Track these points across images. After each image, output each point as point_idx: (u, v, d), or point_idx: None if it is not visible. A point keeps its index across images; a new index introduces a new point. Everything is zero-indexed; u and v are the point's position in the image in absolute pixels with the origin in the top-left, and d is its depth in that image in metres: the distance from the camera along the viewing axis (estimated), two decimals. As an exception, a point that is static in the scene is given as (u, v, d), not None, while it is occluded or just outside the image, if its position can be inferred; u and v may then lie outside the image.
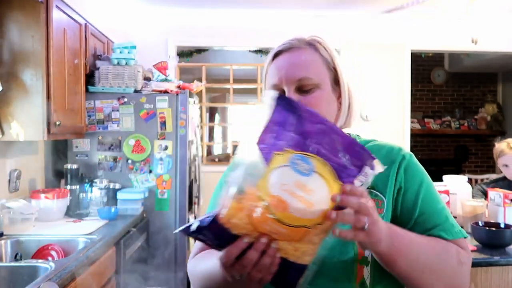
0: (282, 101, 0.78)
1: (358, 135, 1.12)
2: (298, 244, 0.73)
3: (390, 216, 0.99)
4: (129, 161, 3.13)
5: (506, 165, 2.80)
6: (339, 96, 1.06)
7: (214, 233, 0.73)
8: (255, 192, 0.71)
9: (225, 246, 0.75)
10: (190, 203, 3.32)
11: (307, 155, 0.72)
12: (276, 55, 1.06)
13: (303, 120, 0.74)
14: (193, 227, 0.74)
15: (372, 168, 0.75)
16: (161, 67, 3.43)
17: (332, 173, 0.72)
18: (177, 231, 0.80)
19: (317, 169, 0.71)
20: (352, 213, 0.74)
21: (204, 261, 1.01)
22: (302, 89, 1.00)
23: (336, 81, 1.05)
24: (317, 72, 1.02)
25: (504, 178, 2.91)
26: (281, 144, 0.73)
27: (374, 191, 1.00)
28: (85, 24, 2.89)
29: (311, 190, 0.70)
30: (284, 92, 1.01)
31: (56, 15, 2.41)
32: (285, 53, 1.05)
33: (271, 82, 1.04)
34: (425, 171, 1.05)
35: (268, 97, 0.81)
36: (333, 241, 0.86)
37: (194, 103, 3.49)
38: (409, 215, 0.99)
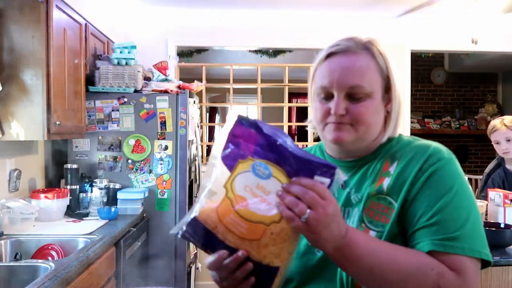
0: (244, 120, 0.87)
1: (400, 134, 1.07)
2: (263, 248, 0.82)
3: (395, 227, 0.94)
4: (129, 161, 3.13)
5: (498, 142, 2.69)
6: (387, 103, 1.04)
7: (195, 232, 0.85)
8: (223, 192, 0.84)
9: (208, 246, 0.86)
10: (190, 203, 3.31)
11: (266, 162, 0.82)
12: (329, 55, 1.02)
13: (262, 135, 0.85)
14: (174, 230, 0.87)
15: (329, 177, 0.80)
16: (161, 67, 3.43)
17: (287, 177, 0.81)
18: (171, 232, 0.89)
19: (274, 173, 0.82)
20: (293, 200, 0.78)
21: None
22: (352, 97, 0.98)
23: (387, 89, 1.03)
24: (370, 81, 0.99)
25: (498, 165, 2.81)
26: (244, 153, 0.84)
27: (389, 198, 0.96)
28: (85, 24, 2.89)
29: (269, 192, 0.81)
30: (332, 95, 1.00)
31: (56, 15, 2.41)
32: (340, 55, 1.01)
33: (321, 83, 1.01)
34: (459, 177, 0.95)
35: (232, 116, 0.87)
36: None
37: (194, 103, 3.48)
38: (413, 221, 0.93)
